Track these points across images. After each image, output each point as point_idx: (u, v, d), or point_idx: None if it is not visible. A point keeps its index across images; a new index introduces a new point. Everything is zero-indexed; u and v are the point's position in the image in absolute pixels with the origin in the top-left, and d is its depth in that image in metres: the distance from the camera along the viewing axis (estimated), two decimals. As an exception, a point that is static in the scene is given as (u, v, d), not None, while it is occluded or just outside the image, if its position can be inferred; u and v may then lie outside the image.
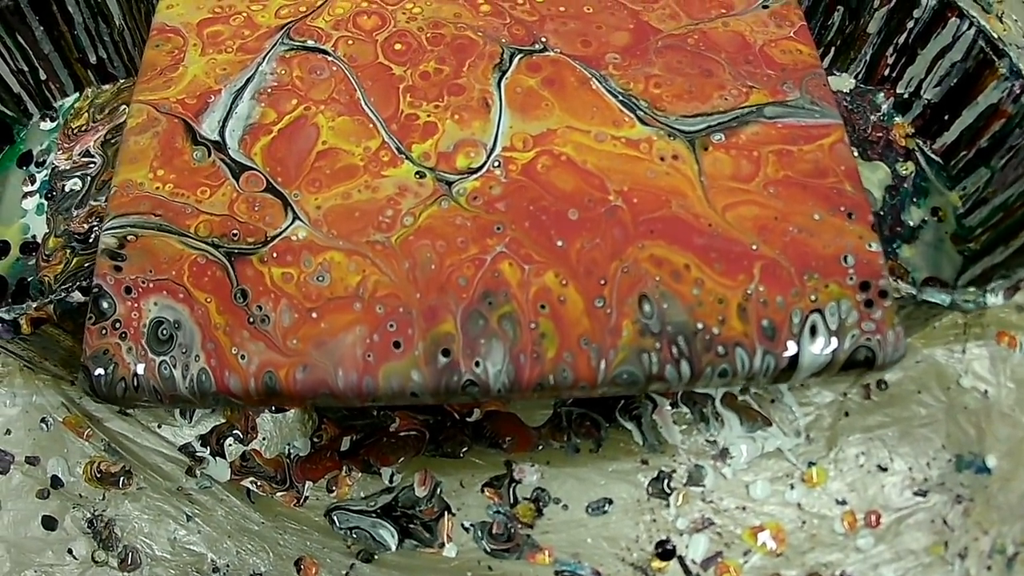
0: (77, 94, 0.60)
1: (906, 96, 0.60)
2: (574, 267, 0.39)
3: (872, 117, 0.61)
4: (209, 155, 0.42)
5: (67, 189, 0.56)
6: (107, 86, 0.60)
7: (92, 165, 0.57)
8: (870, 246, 0.41)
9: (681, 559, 0.51)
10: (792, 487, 0.54)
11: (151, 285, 0.39)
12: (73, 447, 0.52)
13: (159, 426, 0.53)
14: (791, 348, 0.39)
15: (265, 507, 0.51)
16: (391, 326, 0.38)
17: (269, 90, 0.43)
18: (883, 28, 0.58)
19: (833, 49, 0.61)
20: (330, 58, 0.44)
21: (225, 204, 0.40)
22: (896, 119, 0.61)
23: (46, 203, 0.56)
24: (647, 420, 0.55)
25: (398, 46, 0.45)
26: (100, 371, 0.37)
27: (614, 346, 0.38)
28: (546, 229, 0.40)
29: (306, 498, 0.52)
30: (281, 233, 0.40)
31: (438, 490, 0.52)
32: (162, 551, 0.50)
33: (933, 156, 0.59)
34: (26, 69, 0.55)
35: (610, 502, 0.52)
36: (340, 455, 0.53)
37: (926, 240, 0.57)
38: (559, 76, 0.44)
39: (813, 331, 0.39)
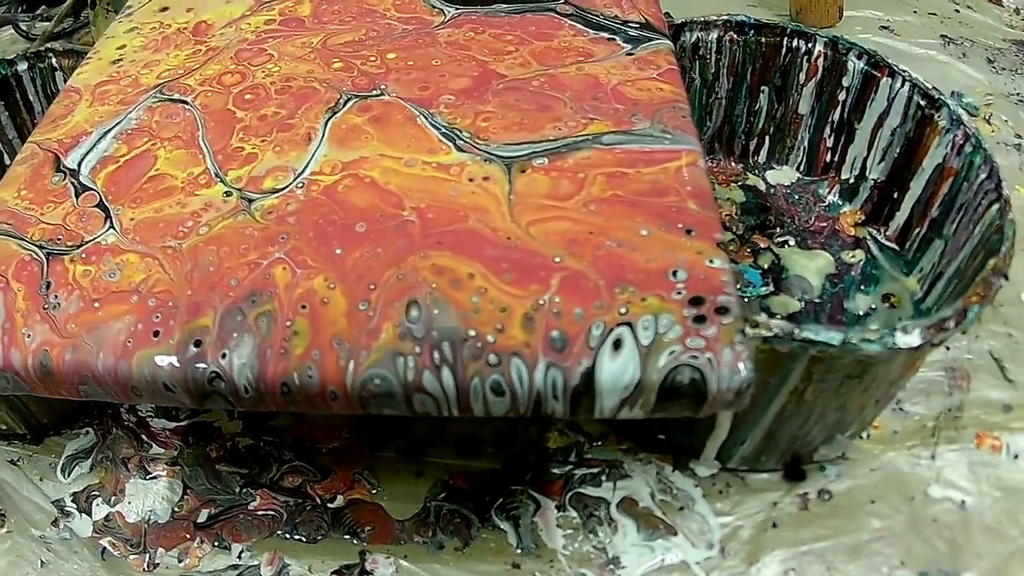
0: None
1: (852, 181, 0.56)
2: (346, 273, 0.39)
3: (816, 208, 0.57)
4: (64, 179, 0.46)
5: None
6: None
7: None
8: (711, 262, 0.38)
9: None
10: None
11: (-17, 276, 0.43)
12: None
13: (41, 479, 0.55)
14: (583, 363, 0.35)
15: (115, 567, 0.51)
16: (156, 317, 0.39)
17: (129, 131, 0.48)
18: (815, 105, 0.56)
19: (768, 139, 0.58)
20: (187, 106, 0.48)
21: (61, 216, 0.44)
22: (843, 208, 0.56)
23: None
24: (526, 522, 0.49)
25: (248, 96, 0.48)
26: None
27: (367, 347, 0.36)
28: (329, 239, 0.40)
29: (156, 564, 0.51)
30: (95, 238, 0.43)
31: (284, 573, 0.48)
32: (12, 593, 0.51)
33: (886, 243, 0.54)
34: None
35: (469, 606, 0.46)
36: (196, 526, 0.52)
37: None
38: (387, 115, 0.46)
39: (617, 345, 0.35)
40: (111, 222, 0.43)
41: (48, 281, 0.41)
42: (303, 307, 0.38)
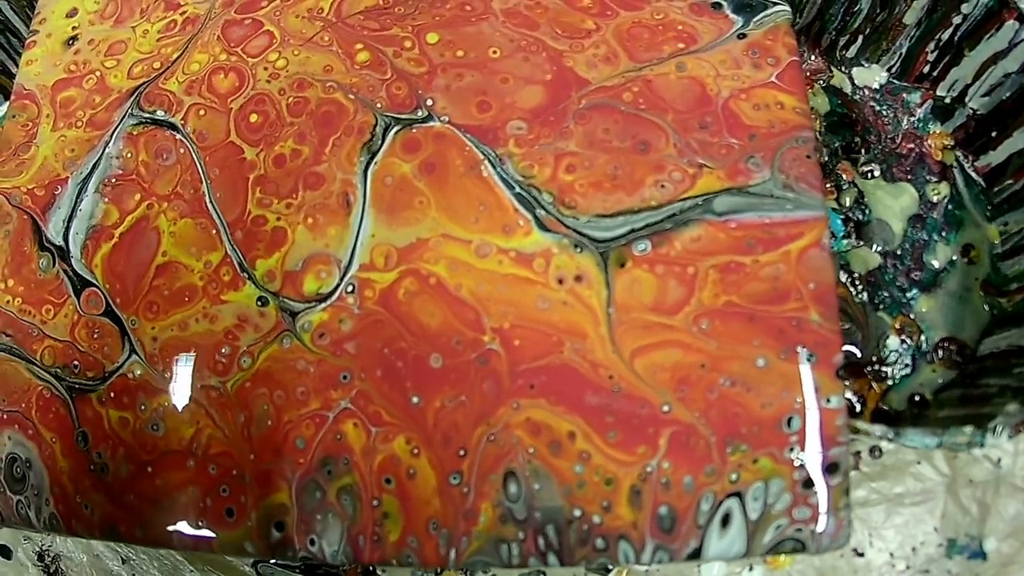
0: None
1: (947, 101, 0.38)
2: (430, 432, 0.26)
3: (904, 123, 0.40)
4: (53, 264, 0.30)
5: None
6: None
7: None
8: (828, 401, 0.25)
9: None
10: (751, 568, 0.40)
11: (4, 416, 0.29)
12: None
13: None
14: (691, 544, 0.25)
15: (194, 554, 0.42)
16: (224, 491, 0.27)
17: (114, 180, 0.30)
18: (923, 19, 0.36)
19: (861, 38, 0.39)
20: (179, 136, 0.30)
21: (67, 328, 0.29)
22: (933, 128, 0.40)
23: None
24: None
25: (254, 117, 0.30)
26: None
27: (467, 533, 0.26)
28: (401, 380, 0.27)
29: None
30: (118, 369, 0.29)
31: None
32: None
33: (974, 176, 0.39)
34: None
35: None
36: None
37: (950, 289, 0.38)
38: (442, 158, 0.28)
39: (725, 521, 0.25)
40: (130, 342, 0.28)
41: (83, 431, 0.28)
42: (387, 481, 0.26)
